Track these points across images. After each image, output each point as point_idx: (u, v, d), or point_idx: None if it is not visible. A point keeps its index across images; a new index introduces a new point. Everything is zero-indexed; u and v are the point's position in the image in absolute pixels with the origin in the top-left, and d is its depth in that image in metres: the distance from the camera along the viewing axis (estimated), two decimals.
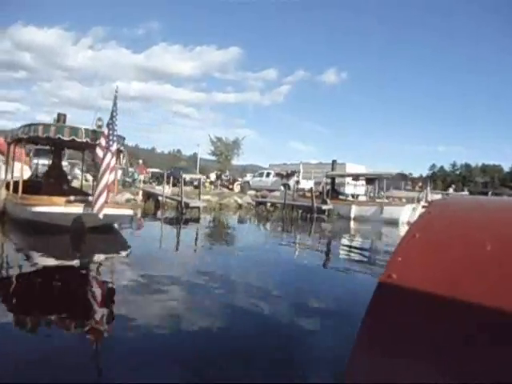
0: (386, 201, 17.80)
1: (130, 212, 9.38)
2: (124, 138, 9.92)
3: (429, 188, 17.34)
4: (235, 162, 51.09)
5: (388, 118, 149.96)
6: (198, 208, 15.06)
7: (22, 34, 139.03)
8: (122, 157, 12.73)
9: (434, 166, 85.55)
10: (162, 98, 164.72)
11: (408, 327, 0.68)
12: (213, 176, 34.83)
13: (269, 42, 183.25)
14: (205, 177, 32.40)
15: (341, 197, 19.98)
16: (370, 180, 21.35)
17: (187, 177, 29.10)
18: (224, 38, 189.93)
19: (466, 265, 0.69)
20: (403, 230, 16.52)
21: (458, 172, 78.68)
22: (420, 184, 28.55)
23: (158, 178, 30.87)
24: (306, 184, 23.82)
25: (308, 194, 20.17)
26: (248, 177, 33.35)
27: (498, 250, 0.68)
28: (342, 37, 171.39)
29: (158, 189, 19.92)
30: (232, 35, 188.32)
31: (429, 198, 17.39)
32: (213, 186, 32.35)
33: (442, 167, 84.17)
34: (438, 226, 0.82)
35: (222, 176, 36.95)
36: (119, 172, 21.14)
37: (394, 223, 16.90)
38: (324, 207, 17.83)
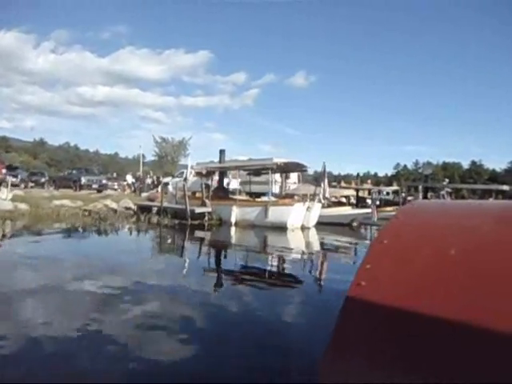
0: (273, 199, 13.97)
1: None
2: None
3: (326, 182, 13.64)
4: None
5: (357, 120, 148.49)
6: None
7: None
8: None
9: (398, 165, 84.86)
10: (130, 103, 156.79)
11: (378, 331, 0.69)
12: (129, 178, 30.44)
13: (238, 46, 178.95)
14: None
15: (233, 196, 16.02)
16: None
17: (84, 179, 25.06)
18: (193, 41, 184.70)
19: (431, 270, 0.71)
20: (292, 237, 12.80)
21: (420, 170, 77.23)
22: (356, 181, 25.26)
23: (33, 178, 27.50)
24: (237, 184, 19.95)
25: (198, 195, 16.26)
26: (168, 178, 29.11)
27: (462, 254, 0.70)
28: (311, 40, 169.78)
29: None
30: (201, 39, 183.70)
31: (327, 195, 13.76)
32: (130, 189, 28.44)
33: (405, 166, 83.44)
34: (405, 232, 0.83)
35: (148, 178, 32.97)
36: None
37: (282, 228, 13.15)
38: (198, 210, 13.86)
